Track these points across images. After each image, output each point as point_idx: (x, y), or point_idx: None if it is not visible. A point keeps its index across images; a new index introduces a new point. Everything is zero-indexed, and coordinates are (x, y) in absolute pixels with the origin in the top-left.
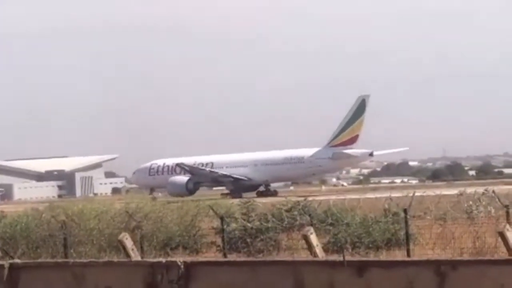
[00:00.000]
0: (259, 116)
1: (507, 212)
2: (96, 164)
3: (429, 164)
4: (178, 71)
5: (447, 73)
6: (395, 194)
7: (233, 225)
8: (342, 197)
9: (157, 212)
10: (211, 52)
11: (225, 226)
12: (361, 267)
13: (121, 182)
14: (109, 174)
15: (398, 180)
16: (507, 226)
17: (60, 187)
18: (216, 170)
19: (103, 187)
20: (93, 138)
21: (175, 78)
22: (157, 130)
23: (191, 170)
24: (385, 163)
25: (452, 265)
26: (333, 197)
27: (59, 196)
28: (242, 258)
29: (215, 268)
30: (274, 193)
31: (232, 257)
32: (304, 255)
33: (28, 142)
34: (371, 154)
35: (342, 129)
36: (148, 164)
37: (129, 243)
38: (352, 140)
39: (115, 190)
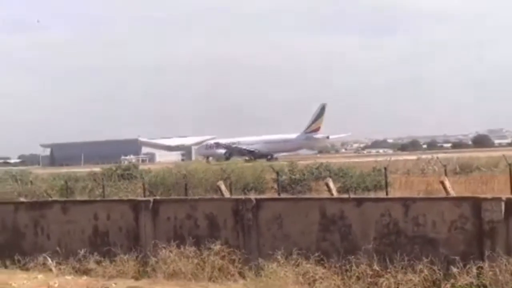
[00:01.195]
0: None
1: (445, 170)
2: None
3: (399, 141)
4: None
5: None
6: (379, 159)
7: (284, 176)
8: (347, 160)
9: (239, 168)
10: None
11: (279, 177)
12: (360, 201)
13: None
14: None
15: (381, 150)
16: (445, 177)
17: (183, 155)
18: (242, 147)
19: None
20: (203, 124)
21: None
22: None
23: (226, 146)
24: (374, 140)
25: (412, 200)
26: (342, 160)
27: (182, 160)
28: (289, 196)
29: (273, 202)
30: (275, 159)
31: (283, 195)
32: (326, 195)
33: (163, 127)
34: (327, 137)
35: (312, 122)
36: (204, 143)
37: (223, 187)
38: (317, 129)
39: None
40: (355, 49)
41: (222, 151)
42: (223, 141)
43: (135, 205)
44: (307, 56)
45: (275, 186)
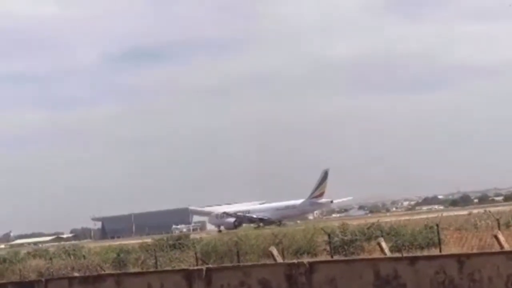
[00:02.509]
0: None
1: (498, 223)
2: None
3: (450, 197)
4: None
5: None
6: (431, 215)
7: (336, 238)
8: (398, 218)
9: (291, 233)
10: None
11: (331, 239)
12: (413, 260)
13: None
14: None
15: (434, 207)
16: (499, 231)
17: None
18: (252, 215)
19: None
20: (253, 190)
21: None
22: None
23: (234, 215)
24: (424, 197)
25: (466, 256)
26: (393, 218)
27: None
28: (341, 257)
29: (326, 264)
30: (284, 225)
31: (336, 257)
32: (378, 254)
33: (213, 194)
34: (331, 201)
35: (316, 188)
36: (214, 213)
37: (275, 252)
38: (321, 195)
39: None
40: (394, 106)
41: (232, 219)
42: (231, 210)
43: (188, 275)
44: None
45: (328, 248)
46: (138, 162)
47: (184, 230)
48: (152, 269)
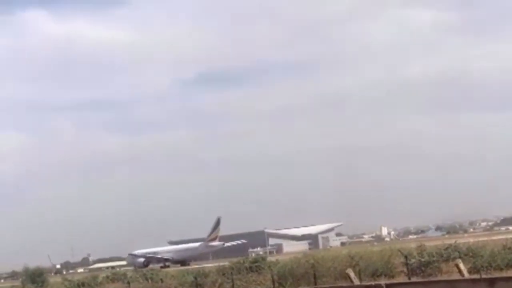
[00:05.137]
0: None
1: None
2: (330, 229)
3: None
4: None
5: None
6: (510, 236)
7: (413, 260)
8: (476, 239)
9: (368, 254)
10: None
11: (408, 261)
12: (492, 281)
13: (346, 239)
14: (338, 234)
15: (510, 227)
16: None
17: (309, 243)
18: (158, 256)
19: (335, 242)
20: (328, 213)
21: None
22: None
23: (143, 256)
24: (502, 217)
25: None
26: (471, 239)
27: (309, 249)
28: (419, 279)
29: (404, 286)
30: (188, 265)
31: (413, 279)
32: (456, 276)
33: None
34: (223, 244)
35: (210, 233)
36: (131, 254)
37: (352, 274)
38: (215, 238)
39: (342, 244)
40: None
41: (142, 259)
42: (139, 252)
43: None
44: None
45: (405, 270)
46: (213, 185)
47: (261, 253)
48: None
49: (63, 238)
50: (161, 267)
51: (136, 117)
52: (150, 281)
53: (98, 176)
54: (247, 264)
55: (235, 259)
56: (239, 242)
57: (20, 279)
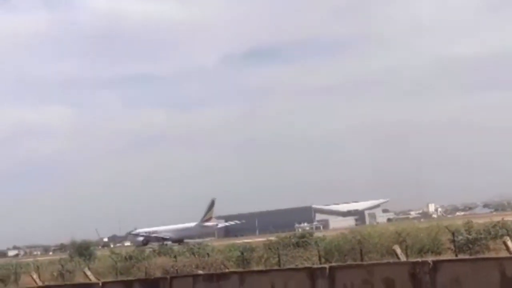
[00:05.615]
0: None
1: None
2: (377, 205)
3: None
4: None
5: None
6: None
7: (460, 237)
8: None
9: (415, 231)
10: None
11: (455, 238)
12: None
13: (392, 215)
14: (385, 210)
15: None
16: None
17: (356, 220)
18: (157, 235)
19: (381, 218)
20: (375, 189)
21: None
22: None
23: (143, 235)
24: None
25: None
26: None
27: (356, 225)
28: (466, 256)
29: (451, 263)
30: (185, 243)
31: (460, 256)
32: (504, 254)
33: (336, 193)
34: (217, 225)
35: (204, 215)
36: (133, 232)
37: (398, 250)
38: (209, 219)
39: (389, 220)
40: None
41: (141, 238)
42: (141, 231)
43: (312, 273)
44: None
45: (452, 247)
46: (261, 161)
47: (307, 228)
48: (275, 267)
49: (110, 212)
50: (160, 245)
51: (184, 93)
52: (196, 255)
53: (145, 152)
54: (294, 240)
55: (281, 235)
56: (232, 223)
57: (68, 252)
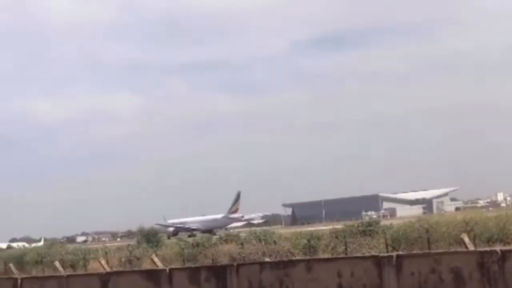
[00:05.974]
0: None
1: None
2: (445, 193)
3: None
4: None
5: None
6: None
7: None
8: None
9: (483, 220)
10: None
11: None
12: None
13: (460, 204)
14: (453, 199)
15: None
16: None
17: (424, 208)
18: (186, 226)
19: (449, 207)
20: (443, 177)
21: None
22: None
23: (173, 226)
24: None
25: None
26: None
27: (423, 213)
28: None
29: None
30: (214, 234)
31: None
32: None
33: (403, 181)
34: (242, 217)
35: (231, 206)
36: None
37: (467, 239)
38: (236, 211)
39: (457, 209)
40: None
41: (171, 229)
42: (171, 222)
43: (378, 261)
44: None
45: None
46: (328, 148)
47: (374, 216)
48: (342, 255)
49: (177, 199)
50: (188, 236)
51: (250, 79)
52: (263, 242)
53: (212, 137)
54: (360, 228)
55: (348, 223)
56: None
57: (136, 238)
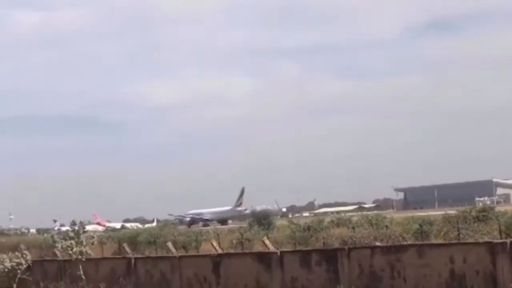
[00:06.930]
0: None
1: None
2: None
3: None
4: None
5: None
6: None
7: None
8: None
9: None
10: None
11: None
12: None
13: None
14: None
15: None
16: None
17: None
18: (201, 217)
19: None
20: None
21: None
22: None
23: (189, 217)
24: None
25: None
26: None
27: None
28: None
29: None
30: (226, 223)
31: None
32: None
33: None
34: (246, 210)
35: (237, 200)
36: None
37: None
38: (240, 205)
39: None
40: None
41: (188, 219)
42: (190, 213)
43: (492, 248)
44: None
45: None
46: (441, 133)
47: (488, 202)
48: (454, 241)
49: (289, 182)
50: (203, 225)
51: (363, 63)
52: (375, 227)
53: (322, 121)
54: (473, 213)
55: (461, 208)
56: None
57: (247, 221)
